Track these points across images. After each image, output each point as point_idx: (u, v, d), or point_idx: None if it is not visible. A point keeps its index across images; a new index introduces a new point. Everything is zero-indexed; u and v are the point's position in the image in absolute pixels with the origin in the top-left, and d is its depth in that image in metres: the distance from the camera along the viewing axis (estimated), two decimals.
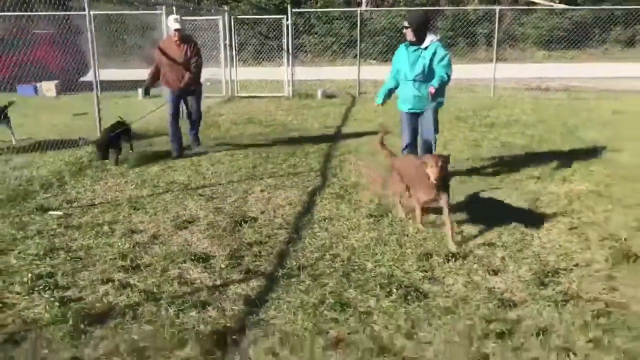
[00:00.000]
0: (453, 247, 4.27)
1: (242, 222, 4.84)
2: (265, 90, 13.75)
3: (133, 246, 4.33)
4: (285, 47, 13.39)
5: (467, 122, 9.43)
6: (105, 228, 4.73)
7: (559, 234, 4.49)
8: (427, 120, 5.70)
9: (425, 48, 5.50)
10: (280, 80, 13.73)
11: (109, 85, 12.92)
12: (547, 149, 7.49)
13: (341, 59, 20.40)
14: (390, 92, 5.84)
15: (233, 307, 3.39)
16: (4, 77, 11.29)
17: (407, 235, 4.51)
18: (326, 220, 4.87)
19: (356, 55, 13.88)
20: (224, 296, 3.54)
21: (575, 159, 6.85)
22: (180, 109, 7.51)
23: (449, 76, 5.45)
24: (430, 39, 5.52)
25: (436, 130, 5.74)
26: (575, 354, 2.87)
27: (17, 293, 3.58)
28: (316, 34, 21.77)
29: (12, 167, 6.86)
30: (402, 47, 5.76)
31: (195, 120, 7.60)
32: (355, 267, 3.94)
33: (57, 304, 3.40)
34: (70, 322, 3.18)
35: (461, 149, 7.49)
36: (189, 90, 7.26)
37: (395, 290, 3.55)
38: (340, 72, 15.70)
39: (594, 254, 4.12)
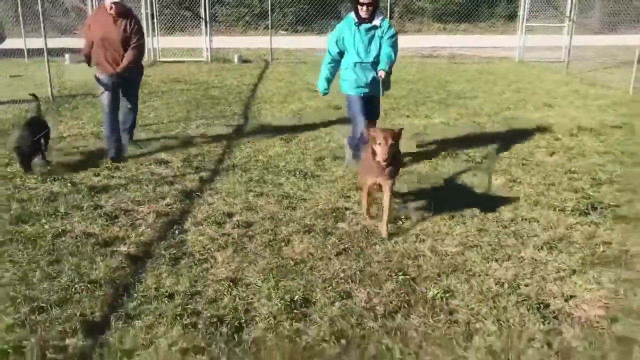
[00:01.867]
0: (384, 234, 4.15)
1: (186, 142, 6.69)
2: (185, 56, 15.21)
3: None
4: (202, 15, 14.90)
5: None
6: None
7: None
8: (377, 104, 5.40)
9: (378, 26, 5.33)
10: (198, 48, 15.23)
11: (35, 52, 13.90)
12: (420, 97, 9.78)
13: (254, 30, 22.12)
14: (330, 81, 5.58)
15: (192, 183, 5.27)
16: None
17: (309, 149, 6.50)
18: (249, 142, 6.77)
19: (267, 26, 15.65)
20: (185, 179, 5.40)
21: (439, 102, 9.19)
22: (119, 97, 6.16)
23: (395, 57, 5.36)
24: (378, 16, 5.35)
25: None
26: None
27: None
28: (229, 4, 23.22)
29: None
30: (347, 25, 5.40)
31: (130, 114, 6.41)
32: (272, 165, 5.90)
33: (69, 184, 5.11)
34: (83, 192, 4.94)
35: None
36: (127, 76, 6.00)
37: (297, 174, 5.55)
38: (254, 41, 17.43)
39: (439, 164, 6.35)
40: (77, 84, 10.20)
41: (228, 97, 9.74)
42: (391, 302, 3.30)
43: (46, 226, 4.28)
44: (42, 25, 9.03)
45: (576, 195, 5.01)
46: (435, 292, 3.39)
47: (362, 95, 5.48)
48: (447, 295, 3.37)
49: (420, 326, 3.07)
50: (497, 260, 3.82)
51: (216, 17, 22.53)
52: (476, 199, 4.98)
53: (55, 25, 17.71)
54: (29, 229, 4.24)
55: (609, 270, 3.68)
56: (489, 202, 4.84)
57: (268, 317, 3.14)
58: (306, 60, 14.76)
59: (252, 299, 3.33)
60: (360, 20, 5.30)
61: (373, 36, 5.34)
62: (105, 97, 6.01)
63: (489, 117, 8.20)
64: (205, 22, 14.81)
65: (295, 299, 3.31)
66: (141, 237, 4.15)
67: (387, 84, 5.50)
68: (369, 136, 4.13)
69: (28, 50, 13.85)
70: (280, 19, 21.71)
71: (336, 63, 5.55)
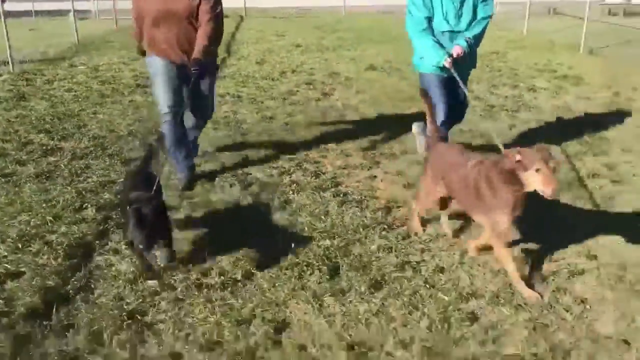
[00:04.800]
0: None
1: None
2: None
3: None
4: None
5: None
6: None
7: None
8: (461, 88, 4.39)
9: None
10: None
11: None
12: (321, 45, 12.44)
13: None
14: (442, 45, 4.34)
15: None
16: None
17: (277, 65, 9.13)
18: (233, 66, 9.38)
19: None
20: None
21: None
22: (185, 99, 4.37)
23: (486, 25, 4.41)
24: None
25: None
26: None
27: None
28: None
29: None
30: None
31: (202, 118, 4.70)
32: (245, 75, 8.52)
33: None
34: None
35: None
36: (201, 67, 4.12)
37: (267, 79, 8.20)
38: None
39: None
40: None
41: None
42: None
43: None
44: None
45: None
46: None
47: (447, 75, 4.40)
48: None
49: None
50: None
51: None
52: None
53: None
54: None
55: None
56: None
57: None
58: (275, 15, 17.39)
59: None
60: None
61: None
62: (164, 100, 4.23)
63: None
64: None
65: None
66: None
67: (474, 59, 4.61)
68: (506, 157, 3.04)
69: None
70: None
71: (430, 29, 4.36)
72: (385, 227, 3.84)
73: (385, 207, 4.14)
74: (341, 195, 4.34)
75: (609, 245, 3.55)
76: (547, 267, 3.35)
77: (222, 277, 3.24)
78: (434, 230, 3.80)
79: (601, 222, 3.88)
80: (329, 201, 4.22)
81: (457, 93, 4.53)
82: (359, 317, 2.91)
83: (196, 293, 3.11)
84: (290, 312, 2.95)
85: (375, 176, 4.73)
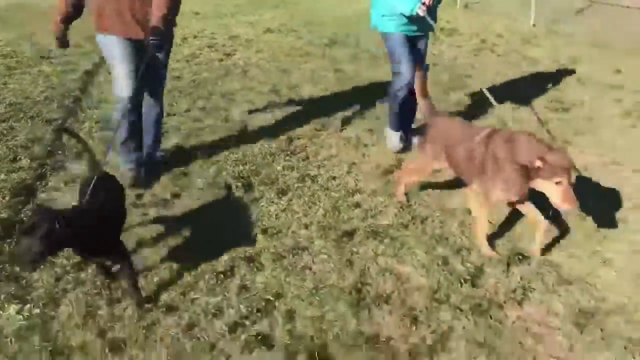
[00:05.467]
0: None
1: None
2: None
3: None
4: None
5: None
6: None
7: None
8: (425, 49, 4.53)
9: None
10: None
11: None
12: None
13: None
14: None
15: None
16: None
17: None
18: None
19: None
20: None
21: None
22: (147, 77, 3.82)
23: None
24: None
25: None
26: None
27: None
28: None
29: None
30: None
31: (156, 95, 4.15)
32: None
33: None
34: None
35: None
36: (161, 38, 3.63)
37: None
38: None
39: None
40: None
41: None
42: None
43: None
44: None
45: None
46: None
47: (412, 34, 4.36)
48: None
49: None
50: None
51: None
52: None
53: None
54: None
55: None
56: None
57: None
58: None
59: None
60: None
61: None
62: (120, 81, 3.84)
63: None
64: None
65: None
66: None
67: (435, 17, 4.40)
68: (526, 158, 2.97)
69: None
70: None
71: None
72: (288, 153, 4.65)
73: (287, 138, 4.95)
74: (249, 132, 5.10)
75: None
76: None
77: (154, 196, 3.95)
78: (327, 152, 4.67)
79: None
80: (239, 137, 4.97)
81: (417, 52, 4.49)
82: (270, 214, 3.74)
83: None
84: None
85: (278, 116, 5.52)
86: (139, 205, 3.87)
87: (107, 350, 2.66)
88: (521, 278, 3.11)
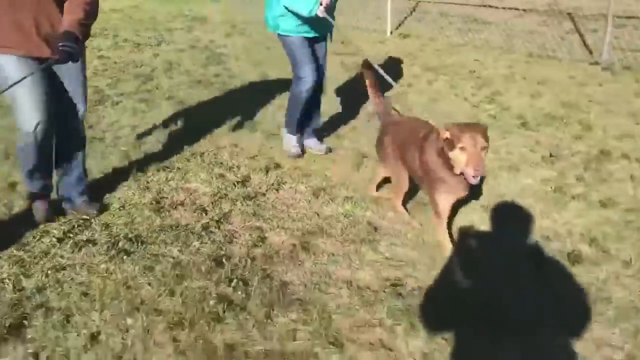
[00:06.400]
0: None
1: None
2: None
3: None
4: None
5: None
6: None
7: None
8: (324, 49, 4.53)
9: None
10: None
11: None
12: None
13: None
14: None
15: None
16: None
17: None
18: None
19: None
20: None
21: None
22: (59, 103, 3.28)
23: None
24: None
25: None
26: None
27: None
28: None
29: None
30: None
31: (72, 123, 3.43)
32: None
33: None
34: None
35: None
36: (72, 46, 2.90)
37: None
38: None
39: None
40: None
41: None
42: None
43: None
44: None
45: None
46: None
47: (312, 37, 4.35)
48: None
49: None
50: None
51: None
52: None
53: None
54: None
55: None
56: None
57: None
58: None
59: None
60: None
61: None
62: (25, 106, 3.07)
63: None
64: None
65: None
66: None
67: (333, 17, 4.33)
68: (437, 134, 2.96)
69: None
70: None
71: None
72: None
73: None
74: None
75: None
76: None
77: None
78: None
79: None
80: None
81: (318, 54, 4.48)
82: None
83: None
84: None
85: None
86: None
87: None
88: (276, 176, 4.36)
